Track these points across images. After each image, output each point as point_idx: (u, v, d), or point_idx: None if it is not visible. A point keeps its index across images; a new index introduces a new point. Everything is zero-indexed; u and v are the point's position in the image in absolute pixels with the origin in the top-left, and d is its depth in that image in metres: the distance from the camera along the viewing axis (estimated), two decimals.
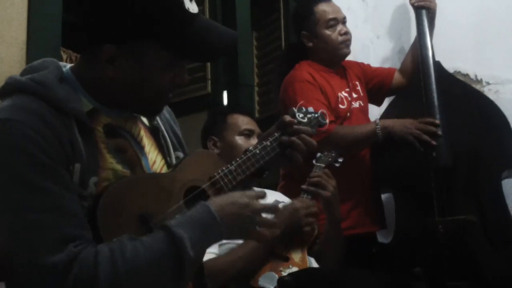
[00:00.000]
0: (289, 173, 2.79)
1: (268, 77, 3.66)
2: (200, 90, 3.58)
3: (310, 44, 2.87)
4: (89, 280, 1.13)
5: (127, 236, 1.20)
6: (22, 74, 1.32)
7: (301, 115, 1.68)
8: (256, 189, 1.88)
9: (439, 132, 2.62)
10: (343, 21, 2.86)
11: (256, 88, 3.75)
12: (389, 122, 2.68)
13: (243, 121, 2.44)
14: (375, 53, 3.28)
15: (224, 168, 1.45)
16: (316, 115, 1.73)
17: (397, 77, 3.00)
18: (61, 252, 1.13)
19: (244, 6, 3.62)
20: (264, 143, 1.57)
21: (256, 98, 3.75)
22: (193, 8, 1.29)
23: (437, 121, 2.64)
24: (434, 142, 2.60)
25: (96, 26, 1.28)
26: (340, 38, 2.82)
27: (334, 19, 2.83)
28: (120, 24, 1.25)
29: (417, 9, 2.92)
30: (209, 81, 3.53)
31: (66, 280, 1.12)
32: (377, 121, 2.68)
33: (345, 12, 2.92)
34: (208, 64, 3.53)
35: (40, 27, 2.38)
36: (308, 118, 1.69)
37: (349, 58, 2.99)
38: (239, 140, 2.39)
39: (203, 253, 1.30)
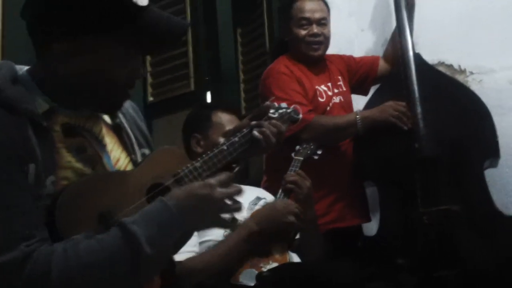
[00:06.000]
0: (270, 165, 2.78)
1: (253, 73, 3.66)
2: (183, 88, 3.57)
3: (286, 38, 2.85)
4: (42, 277, 1.13)
5: (83, 234, 1.20)
6: None
7: (272, 111, 1.68)
8: None
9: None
10: (319, 22, 2.76)
11: (242, 85, 3.74)
12: (368, 112, 2.69)
13: (228, 121, 2.37)
14: (360, 46, 3.27)
15: (189, 165, 1.44)
16: (288, 110, 1.73)
17: (382, 65, 2.98)
18: (12, 250, 1.13)
19: (225, 2, 3.60)
20: (233, 139, 1.56)
21: (242, 94, 3.74)
22: (141, 1, 1.29)
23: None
24: (409, 125, 2.61)
25: (46, 24, 1.28)
26: (307, 39, 2.76)
27: (306, 18, 2.76)
28: (70, 21, 1.26)
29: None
30: (192, 79, 3.52)
31: (18, 278, 1.12)
32: (357, 112, 2.68)
33: (329, 6, 2.88)
34: (191, 62, 3.52)
35: (16, 29, 2.38)
36: (280, 114, 1.69)
37: (334, 51, 2.97)
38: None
39: (165, 249, 1.27)
